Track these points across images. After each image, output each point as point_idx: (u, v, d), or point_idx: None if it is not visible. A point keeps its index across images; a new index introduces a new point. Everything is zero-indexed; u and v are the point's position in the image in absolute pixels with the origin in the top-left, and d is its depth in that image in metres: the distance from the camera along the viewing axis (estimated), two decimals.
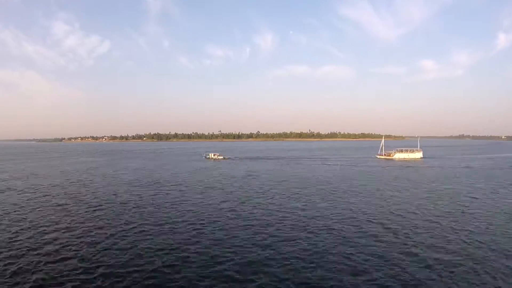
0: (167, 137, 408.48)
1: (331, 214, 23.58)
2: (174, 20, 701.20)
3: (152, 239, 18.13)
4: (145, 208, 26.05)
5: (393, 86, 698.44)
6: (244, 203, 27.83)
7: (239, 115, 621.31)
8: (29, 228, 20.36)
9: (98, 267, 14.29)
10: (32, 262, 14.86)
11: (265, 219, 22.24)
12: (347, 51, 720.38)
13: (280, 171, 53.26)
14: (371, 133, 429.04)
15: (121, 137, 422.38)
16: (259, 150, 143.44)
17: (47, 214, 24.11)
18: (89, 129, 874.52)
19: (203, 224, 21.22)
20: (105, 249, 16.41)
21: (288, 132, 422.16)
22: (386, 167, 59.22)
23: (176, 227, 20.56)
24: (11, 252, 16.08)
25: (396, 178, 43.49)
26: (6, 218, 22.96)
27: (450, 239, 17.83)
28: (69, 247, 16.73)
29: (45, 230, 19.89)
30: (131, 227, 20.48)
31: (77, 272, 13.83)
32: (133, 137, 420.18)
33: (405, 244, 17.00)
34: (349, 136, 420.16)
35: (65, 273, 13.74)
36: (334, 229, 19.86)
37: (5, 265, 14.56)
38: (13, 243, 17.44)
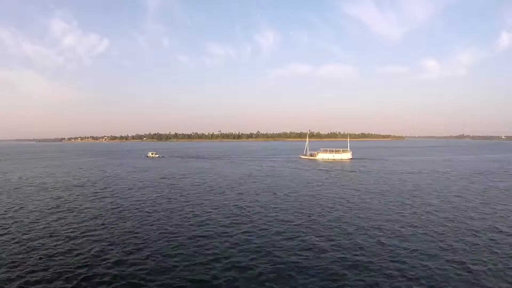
0: (167, 137, 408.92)
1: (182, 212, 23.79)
2: (174, 17, 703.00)
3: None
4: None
5: (395, 86, 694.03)
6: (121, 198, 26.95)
7: (240, 115, 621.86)
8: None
9: None
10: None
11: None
12: (349, 49, 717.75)
13: (184, 170, 52.77)
14: (371, 133, 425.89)
15: (121, 137, 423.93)
16: (211, 150, 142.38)
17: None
18: (89, 129, 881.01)
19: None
20: None
21: (288, 132, 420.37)
22: (296, 169, 56.35)
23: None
24: None
25: (291, 180, 41.82)
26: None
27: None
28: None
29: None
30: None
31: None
32: (133, 137, 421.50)
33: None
34: (349, 136, 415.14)
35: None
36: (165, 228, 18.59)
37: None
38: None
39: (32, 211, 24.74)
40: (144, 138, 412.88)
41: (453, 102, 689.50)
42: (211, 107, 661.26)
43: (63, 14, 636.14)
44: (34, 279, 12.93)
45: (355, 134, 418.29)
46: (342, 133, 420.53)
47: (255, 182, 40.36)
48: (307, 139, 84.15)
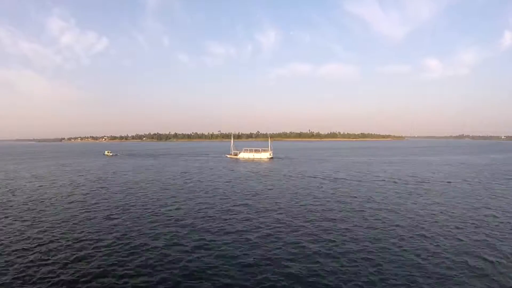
0: (167, 137, 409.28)
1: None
2: (174, 16, 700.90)
3: None
4: None
5: (396, 86, 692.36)
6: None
7: (240, 115, 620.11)
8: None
9: None
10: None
11: None
12: (351, 49, 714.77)
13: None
14: (371, 133, 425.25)
15: (121, 137, 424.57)
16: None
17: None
18: (89, 129, 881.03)
19: None
20: None
21: (288, 132, 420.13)
22: (214, 167, 57.72)
23: None
24: None
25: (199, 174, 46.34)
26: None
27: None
28: None
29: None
30: None
31: None
32: (133, 137, 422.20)
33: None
34: (349, 136, 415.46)
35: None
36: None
37: None
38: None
39: None
40: (144, 138, 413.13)
41: (455, 102, 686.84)
42: (211, 107, 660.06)
43: (61, 12, 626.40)
44: None
45: (354, 134, 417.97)
46: (342, 133, 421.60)
47: (169, 178, 43.26)
48: (232, 140, 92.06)
